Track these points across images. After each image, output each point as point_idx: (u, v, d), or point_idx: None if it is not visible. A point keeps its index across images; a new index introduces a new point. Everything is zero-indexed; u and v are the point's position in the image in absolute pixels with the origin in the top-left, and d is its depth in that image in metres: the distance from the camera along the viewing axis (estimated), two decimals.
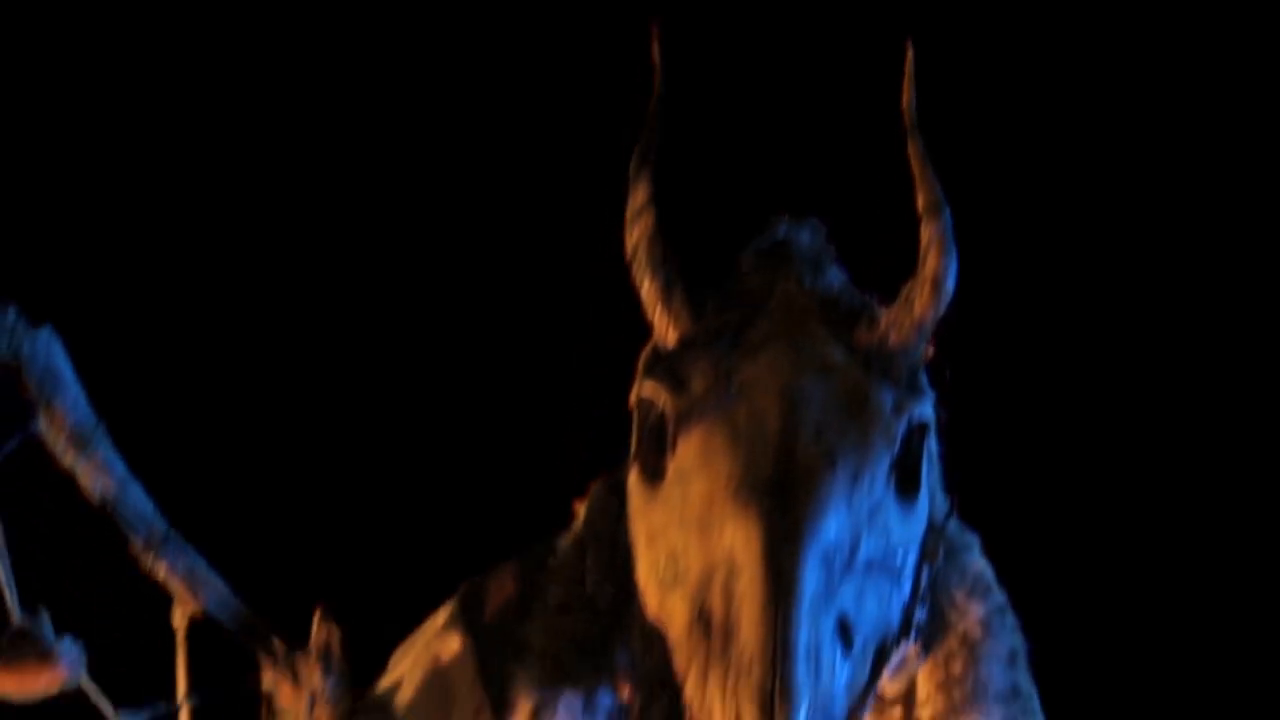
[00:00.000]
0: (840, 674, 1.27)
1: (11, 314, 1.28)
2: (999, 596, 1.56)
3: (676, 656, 1.27)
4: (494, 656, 1.45)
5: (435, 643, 1.45)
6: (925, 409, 1.32)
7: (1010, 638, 1.54)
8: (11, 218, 3.37)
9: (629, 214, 1.34)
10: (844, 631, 1.28)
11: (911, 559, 1.35)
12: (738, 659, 1.20)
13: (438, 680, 1.41)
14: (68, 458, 1.14)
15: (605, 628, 1.43)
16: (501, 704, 1.39)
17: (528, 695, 1.42)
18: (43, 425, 1.15)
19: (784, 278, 1.31)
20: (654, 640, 1.30)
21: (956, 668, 1.48)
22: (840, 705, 1.28)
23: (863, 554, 1.28)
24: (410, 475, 3.48)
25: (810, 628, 1.20)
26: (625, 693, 1.40)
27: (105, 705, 1.32)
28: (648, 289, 1.33)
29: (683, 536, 1.28)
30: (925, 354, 1.30)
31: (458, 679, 1.39)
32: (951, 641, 1.48)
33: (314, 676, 1.25)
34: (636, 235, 1.35)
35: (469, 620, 1.46)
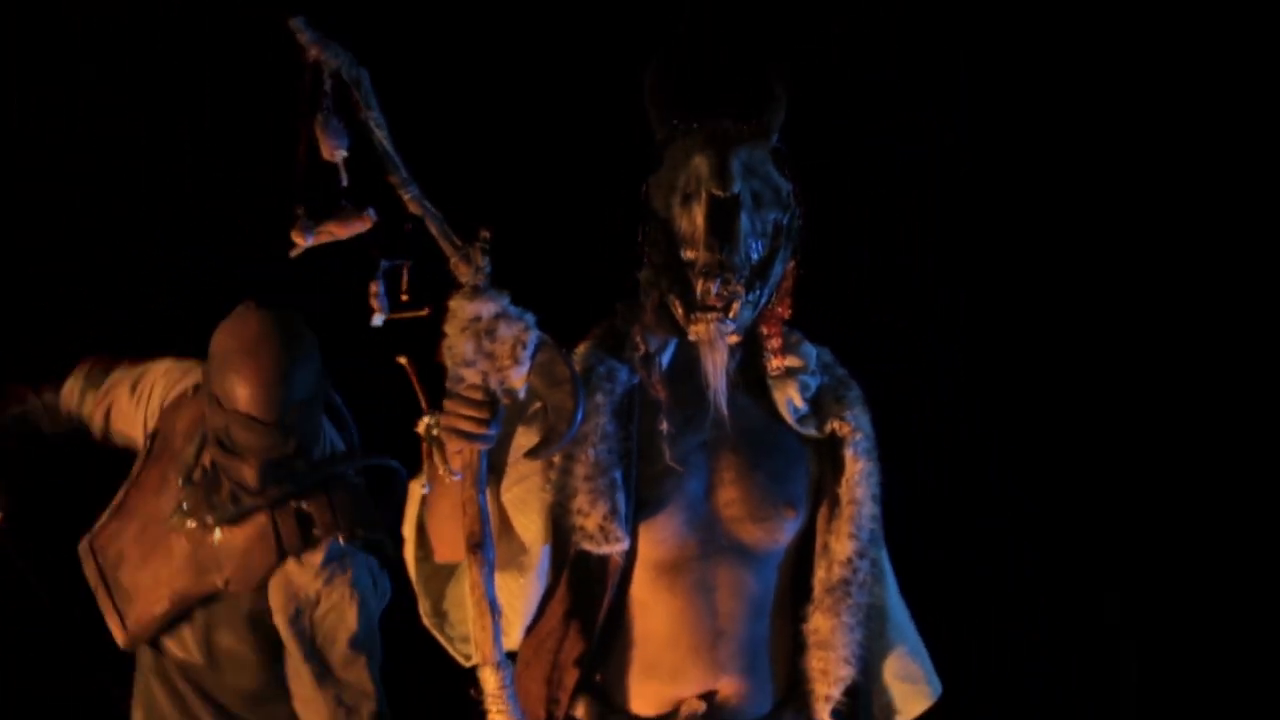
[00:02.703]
0: (758, 223, 2.32)
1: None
2: None
3: (673, 223, 2.32)
4: None
5: None
6: (780, 148, 2.37)
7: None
8: None
9: (645, 75, 2.37)
10: (755, 198, 2.33)
11: (785, 192, 2.36)
12: (707, 189, 2.27)
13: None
14: (364, 116, 2.00)
15: (623, 337, 2.41)
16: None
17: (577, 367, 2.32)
18: (355, 97, 1.99)
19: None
20: (662, 240, 2.33)
21: (794, 338, 2.46)
22: (759, 256, 2.32)
23: (758, 175, 2.34)
24: None
25: (740, 174, 2.29)
26: (638, 348, 2.36)
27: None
28: (653, 114, 2.37)
29: (671, 174, 2.34)
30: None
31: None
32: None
33: (478, 258, 2.10)
34: (649, 82, 2.37)
35: None
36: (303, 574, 2.87)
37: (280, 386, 2.76)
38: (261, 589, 2.87)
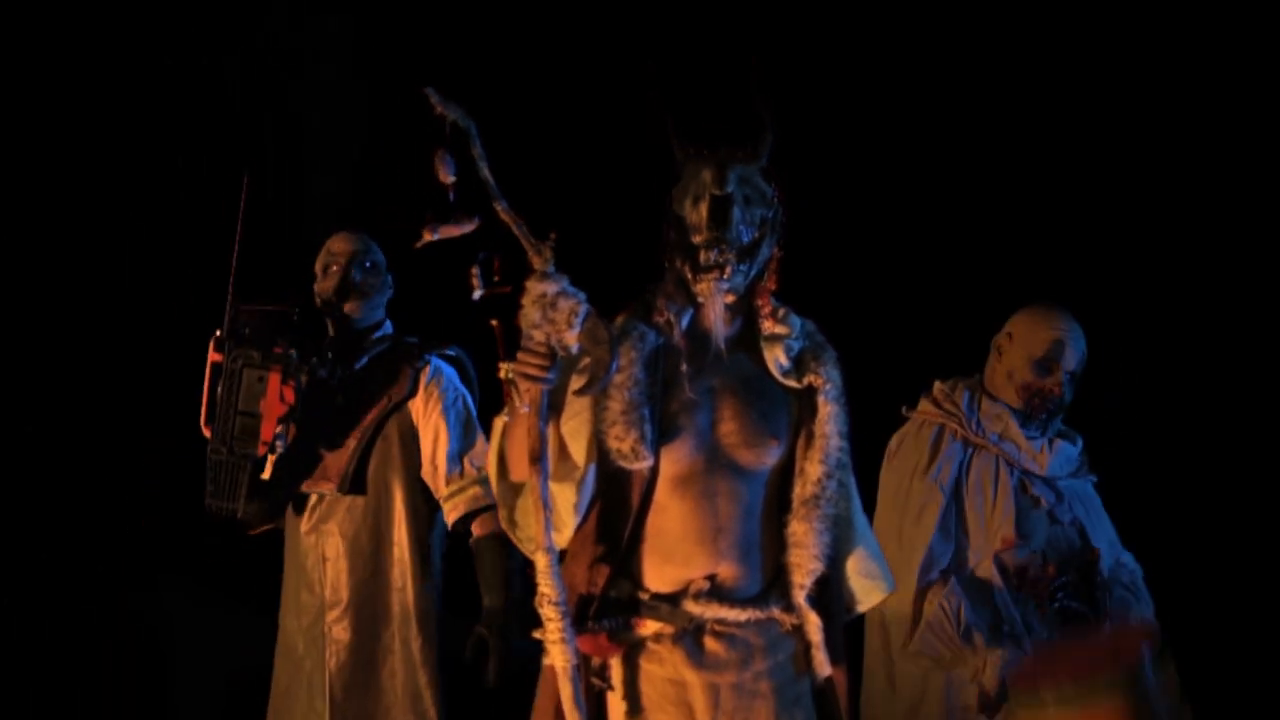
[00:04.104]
0: (747, 216, 2.95)
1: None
2: None
3: (686, 219, 2.96)
4: None
5: None
6: (767, 166, 2.99)
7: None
8: None
9: (668, 117, 3.00)
10: (746, 199, 2.95)
11: (770, 191, 2.99)
12: (709, 191, 2.90)
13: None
14: (472, 152, 2.67)
15: (651, 308, 3.02)
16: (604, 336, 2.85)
17: (614, 331, 2.89)
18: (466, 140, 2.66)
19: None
20: (675, 232, 2.98)
21: (783, 312, 3.05)
22: (748, 240, 2.95)
23: (749, 184, 2.97)
24: None
25: (735, 183, 2.92)
26: (661, 316, 2.98)
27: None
28: (674, 145, 3.01)
29: (686, 185, 2.97)
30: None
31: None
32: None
33: (546, 251, 2.73)
34: (671, 122, 2.99)
35: None
36: (430, 376, 3.94)
37: (359, 236, 4.02)
38: (411, 404, 3.94)
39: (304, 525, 3.99)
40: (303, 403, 3.86)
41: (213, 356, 3.82)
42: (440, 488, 3.97)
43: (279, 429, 3.79)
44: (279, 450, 3.82)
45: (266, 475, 3.93)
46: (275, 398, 3.78)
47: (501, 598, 3.84)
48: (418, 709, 3.92)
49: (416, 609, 3.92)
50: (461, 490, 3.92)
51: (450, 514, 3.95)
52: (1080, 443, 3.98)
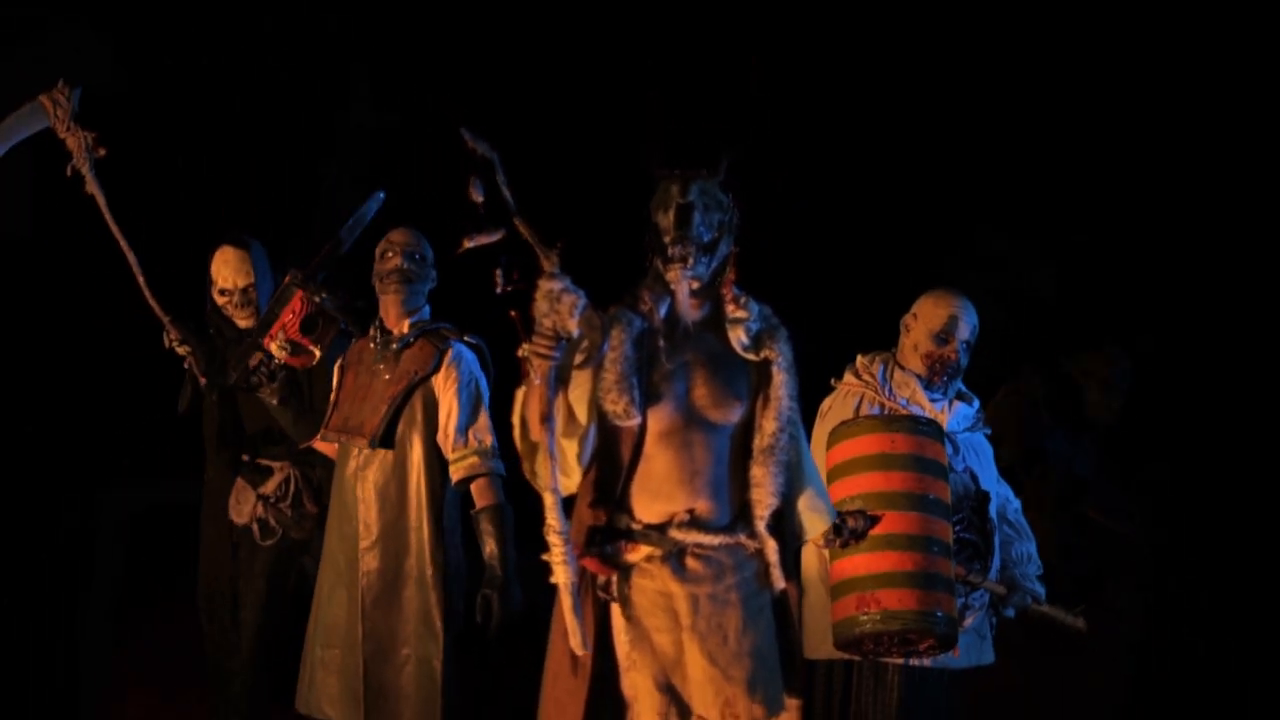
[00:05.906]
0: (707, 220, 3.48)
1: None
2: None
3: (659, 224, 3.49)
4: None
5: None
6: (723, 180, 3.52)
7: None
8: None
9: (652, 150, 3.58)
10: (706, 207, 3.47)
11: (726, 200, 3.50)
12: (675, 201, 3.44)
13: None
14: (497, 177, 3.24)
15: (638, 299, 3.52)
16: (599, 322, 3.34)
17: (607, 319, 3.38)
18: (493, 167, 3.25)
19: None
20: (652, 235, 3.51)
21: (744, 299, 3.55)
22: (708, 239, 3.47)
23: (709, 195, 3.50)
24: None
25: (696, 195, 3.47)
26: (645, 305, 3.49)
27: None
28: (654, 168, 3.52)
29: (660, 199, 3.49)
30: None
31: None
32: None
33: (554, 256, 3.28)
34: (651, 152, 3.55)
35: None
36: (451, 358, 4.63)
37: (414, 231, 4.78)
38: (434, 379, 4.70)
39: (349, 470, 4.82)
40: (320, 332, 4.80)
41: (287, 279, 4.78)
42: (448, 452, 4.77)
43: (279, 332, 4.73)
44: (277, 351, 4.75)
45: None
46: (289, 309, 4.75)
47: (500, 563, 4.61)
48: (428, 623, 4.71)
49: (430, 544, 4.71)
50: (464, 458, 4.72)
51: (454, 475, 4.76)
52: (976, 403, 4.71)
